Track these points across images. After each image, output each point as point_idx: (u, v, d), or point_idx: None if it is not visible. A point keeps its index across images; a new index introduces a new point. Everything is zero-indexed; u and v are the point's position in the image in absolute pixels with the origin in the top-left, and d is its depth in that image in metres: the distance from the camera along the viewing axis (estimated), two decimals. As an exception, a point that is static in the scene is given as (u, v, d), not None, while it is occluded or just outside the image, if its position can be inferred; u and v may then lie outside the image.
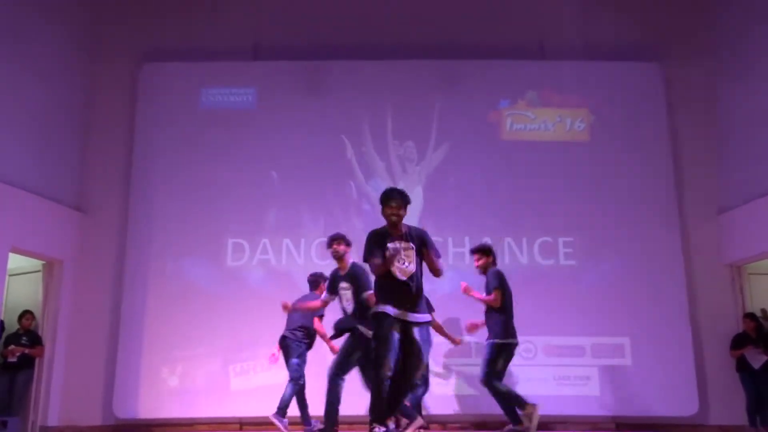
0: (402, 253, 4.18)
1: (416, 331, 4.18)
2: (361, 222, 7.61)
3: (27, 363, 7.02)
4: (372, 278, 4.53)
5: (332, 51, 8.06)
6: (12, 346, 6.91)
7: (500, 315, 5.72)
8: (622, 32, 8.14)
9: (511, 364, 5.80)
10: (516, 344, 5.71)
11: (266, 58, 8.15)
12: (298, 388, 5.92)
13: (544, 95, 7.94)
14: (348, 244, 5.35)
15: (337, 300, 5.32)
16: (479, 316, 5.91)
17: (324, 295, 5.46)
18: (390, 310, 4.16)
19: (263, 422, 6.51)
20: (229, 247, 7.55)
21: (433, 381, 6.56)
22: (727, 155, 7.71)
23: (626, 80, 7.92)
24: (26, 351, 6.96)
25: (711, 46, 8.03)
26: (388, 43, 8.08)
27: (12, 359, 6.89)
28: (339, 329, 5.26)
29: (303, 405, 6.06)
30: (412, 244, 4.25)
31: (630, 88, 7.89)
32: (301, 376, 5.95)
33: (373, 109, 7.87)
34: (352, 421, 5.97)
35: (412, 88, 7.89)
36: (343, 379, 5.02)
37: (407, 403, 4.82)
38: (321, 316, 6.04)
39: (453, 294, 6.46)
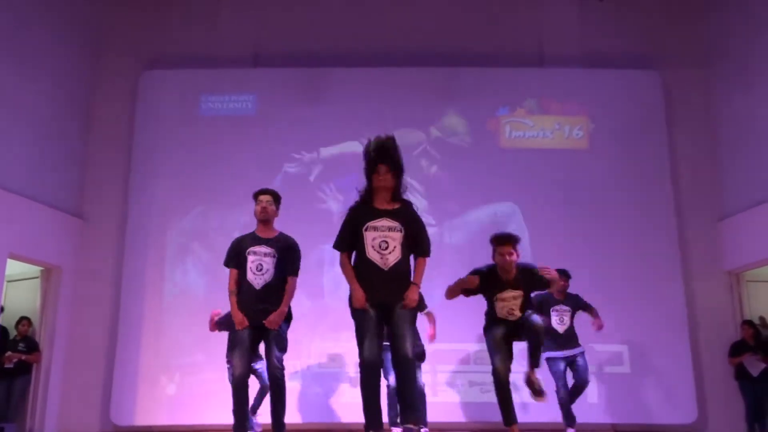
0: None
1: None
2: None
3: (24, 369, 7.00)
4: None
5: (332, 58, 8.09)
6: (9, 353, 6.89)
7: None
8: (620, 40, 8.19)
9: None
10: None
11: (266, 65, 8.18)
12: None
13: (543, 103, 7.98)
14: None
15: None
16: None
17: None
18: None
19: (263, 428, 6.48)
20: (229, 253, 7.54)
21: (437, 388, 6.69)
22: (726, 162, 7.74)
23: (625, 88, 7.95)
24: (23, 357, 6.94)
25: (710, 54, 8.07)
26: (387, 50, 8.12)
27: (9, 365, 6.87)
28: None
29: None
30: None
31: (629, 96, 7.91)
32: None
33: (372, 116, 7.87)
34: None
35: (411, 95, 7.90)
36: None
37: None
38: None
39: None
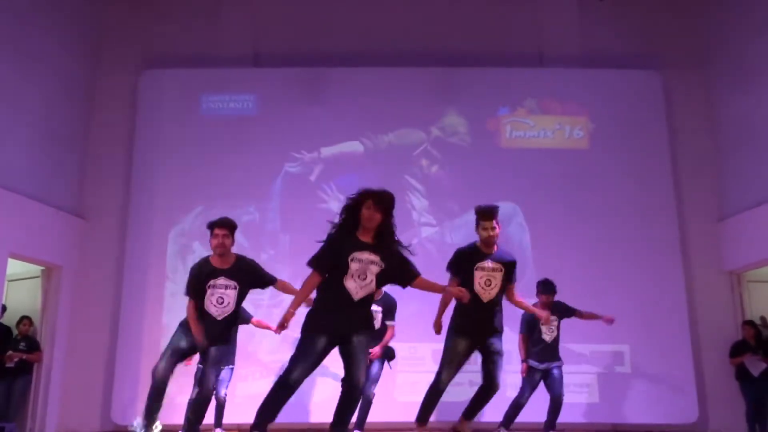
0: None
1: None
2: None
3: (25, 369, 7.00)
4: None
5: (332, 58, 8.09)
6: (10, 352, 6.90)
7: None
8: (621, 40, 8.20)
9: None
10: None
11: (266, 65, 8.19)
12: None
13: (544, 103, 7.98)
14: None
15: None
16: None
17: None
18: None
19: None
20: (229, 253, 7.54)
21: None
22: (726, 163, 7.74)
23: (625, 88, 7.95)
24: (24, 357, 6.95)
25: (710, 54, 8.07)
26: (388, 50, 8.12)
27: (10, 365, 6.87)
28: None
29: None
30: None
31: (629, 96, 7.91)
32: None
33: (372, 116, 7.89)
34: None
35: (411, 95, 7.91)
36: None
37: None
38: None
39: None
